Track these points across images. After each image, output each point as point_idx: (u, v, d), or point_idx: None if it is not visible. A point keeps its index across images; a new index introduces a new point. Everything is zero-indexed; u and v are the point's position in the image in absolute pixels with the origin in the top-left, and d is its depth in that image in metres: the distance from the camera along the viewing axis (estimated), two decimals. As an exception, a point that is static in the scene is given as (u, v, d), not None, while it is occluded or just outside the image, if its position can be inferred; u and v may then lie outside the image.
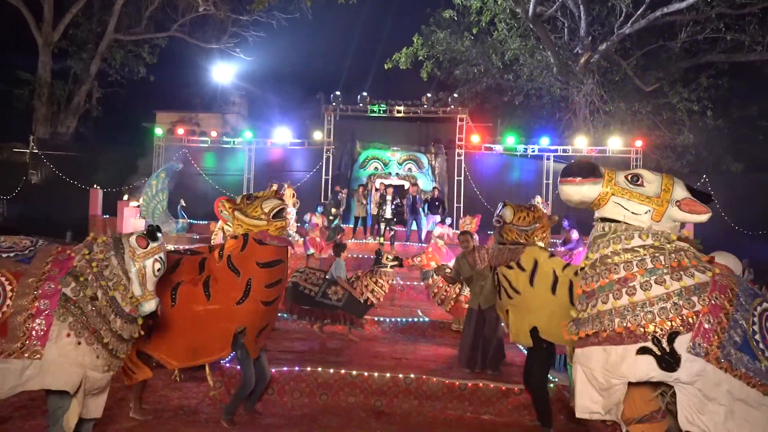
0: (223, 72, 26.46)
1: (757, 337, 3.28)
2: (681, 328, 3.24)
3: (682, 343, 3.23)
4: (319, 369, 6.58)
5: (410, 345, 8.62)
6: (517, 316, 5.53)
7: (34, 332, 3.90)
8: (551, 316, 5.30)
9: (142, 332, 4.40)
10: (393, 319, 9.67)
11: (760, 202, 18.48)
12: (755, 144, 22.31)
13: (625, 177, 3.51)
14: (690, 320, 3.24)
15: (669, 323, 3.24)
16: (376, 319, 9.65)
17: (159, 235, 4.25)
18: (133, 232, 4.26)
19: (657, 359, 3.25)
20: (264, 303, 5.30)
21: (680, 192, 3.48)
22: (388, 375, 6.53)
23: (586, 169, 3.53)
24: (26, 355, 3.89)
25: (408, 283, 12.03)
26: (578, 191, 3.52)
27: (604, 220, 3.57)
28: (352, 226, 16.51)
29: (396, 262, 8.76)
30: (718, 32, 20.58)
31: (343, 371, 6.57)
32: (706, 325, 3.23)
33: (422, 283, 9.93)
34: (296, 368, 6.59)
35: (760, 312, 3.39)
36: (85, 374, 4.02)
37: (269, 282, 5.30)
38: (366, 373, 6.54)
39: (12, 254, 4.21)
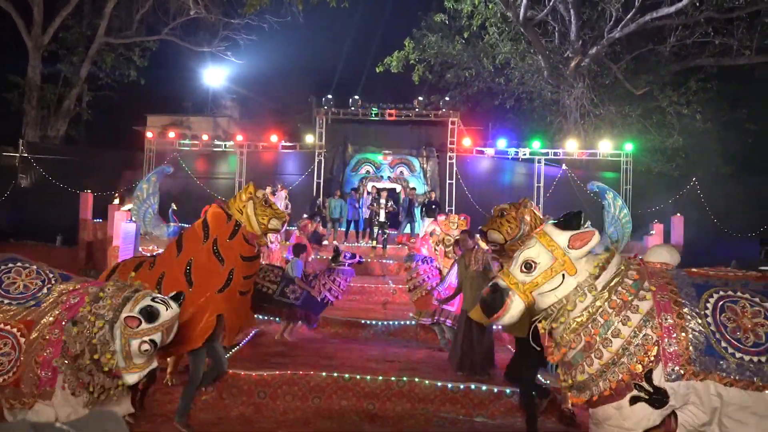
0: (215, 75, 26.40)
1: (717, 335, 3.35)
2: (651, 364, 3.33)
3: (659, 377, 3.32)
4: (312, 372, 6.59)
5: (402, 348, 8.63)
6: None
7: (42, 381, 3.93)
8: None
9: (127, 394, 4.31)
10: (385, 323, 9.68)
11: (749, 205, 18.65)
12: (744, 147, 22.50)
13: (521, 270, 3.55)
14: (654, 352, 3.33)
15: (640, 365, 3.33)
16: (368, 322, 9.66)
17: (159, 314, 3.96)
18: (143, 298, 4.00)
19: (648, 402, 3.34)
20: (241, 293, 5.40)
21: (559, 237, 3.56)
22: (380, 378, 6.54)
23: (495, 295, 3.54)
24: (41, 399, 3.96)
25: (400, 286, 12.04)
26: (511, 315, 3.54)
27: (545, 310, 3.62)
28: (344, 229, 16.53)
29: (353, 260, 8.83)
30: (707, 36, 20.78)
31: (335, 374, 6.58)
32: (670, 349, 3.32)
33: (405, 264, 9.74)
34: (288, 372, 6.59)
35: (712, 306, 3.45)
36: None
37: (247, 274, 5.44)
38: (358, 376, 6.55)
39: (23, 301, 4.20)
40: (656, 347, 3.33)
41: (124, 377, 3.98)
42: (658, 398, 3.31)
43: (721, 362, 3.30)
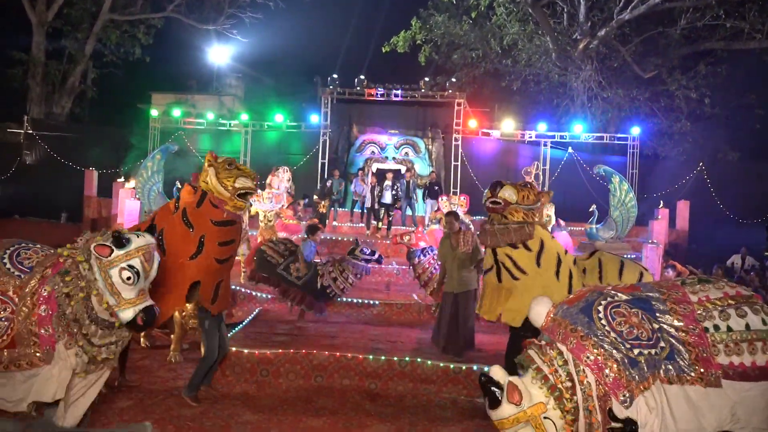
0: (220, 54, 26.22)
1: (621, 341, 3.39)
2: (599, 402, 3.32)
3: (618, 409, 3.30)
4: (314, 351, 6.60)
5: (405, 328, 8.63)
6: (517, 298, 5.43)
7: (43, 338, 3.94)
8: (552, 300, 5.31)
9: (126, 337, 4.32)
10: (388, 303, 9.68)
11: (756, 191, 18.54)
12: (752, 133, 22.29)
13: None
14: (590, 391, 3.34)
15: (594, 412, 3.32)
16: (371, 302, 9.67)
17: (129, 240, 3.93)
18: (103, 233, 4.02)
19: None
20: (217, 260, 5.37)
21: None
22: (383, 358, 6.55)
23: (493, 396, 3.43)
24: (45, 362, 3.96)
25: (404, 267, 12.03)
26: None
27: None
28: (348, 210, 16.49)
29: (373, 257, 8.57)
30: (718, 19, 20.47)
31: (338, 354, 6.59)
32: (609, 381, 3.31)
33: (409, 264, 9.73)
34: (291, 350, 6.61)
35: (602, 312, 3.51)
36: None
37: (223, 240, 5.35)
38: (361, 356, 6.56)
39: (29, 271, 4.23)
40: (591, 384, 3.34)
41: (119, 316, 3.93)
42: (631, 428, 3.30)
43: (638, 365, 3.35)
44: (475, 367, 6.39)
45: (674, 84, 21.68)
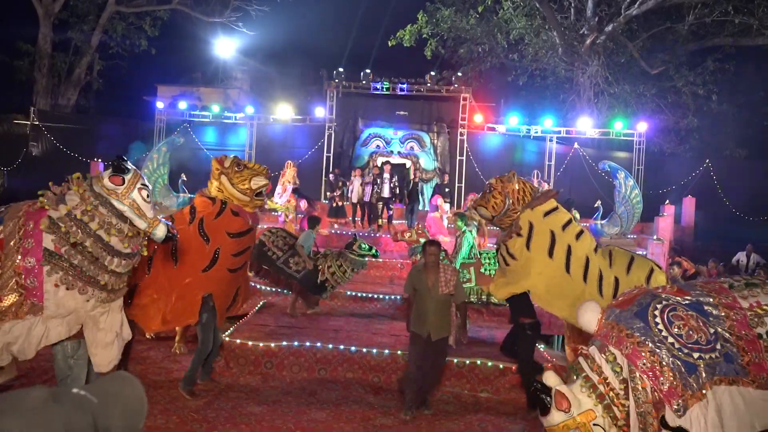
0: (226, 46, 26.18)
1: (677, 346, 3.36)
2: (652, 410, 3.29)
3: (671, 417, 3.28)
4: (318, 344, 6.63)
5: (409, 323, 8.64)
6: (510, 282, 5.62)
7: (29, 290, 3.90)
8: (549, 282, 5.33)
9: (145, 251, 4.29)
10: (392, 297, 9.69)
11: (762, 188, 18.46)
12: (759, 130, 22.20)
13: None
14: (647, 398, 3.31)
15: (648, 417, 3.30)
16: (375, 296, 9.68)
17: (126, 164, 4.06)
18: (98, 175, 4.07)
19: None
20: (230, 270, 5.37)
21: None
22: (386, 351, 6.57)
23: (543, 403, 3.44)
24: (30, 313, 3.91)
25: (408, 261, 12.03)
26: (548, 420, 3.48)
27: None
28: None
29: (369, 252, 8.52)
30: (726, 15, 20.33)
31: (342, 347, 6.62)
32: (662, 386, 3.29)
33: (411, 259, 9.71)
34: (295, 343, 6.63)
35: (659, 317, 3.47)
36: (81, 316, 4.05)
37: (237, 251, 5.38)
38: (365, 350, 6.59)
39: None
40: (646, 391, 3.32)
41: (154, 235, 4.03)
42: None
43: (695, 370, 3.32)
44: (478, 362, 6.40)
45: (681, 80, 21.58)
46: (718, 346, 3.42)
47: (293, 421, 5.31)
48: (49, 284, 3.90)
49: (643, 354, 3.37)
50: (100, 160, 16.32)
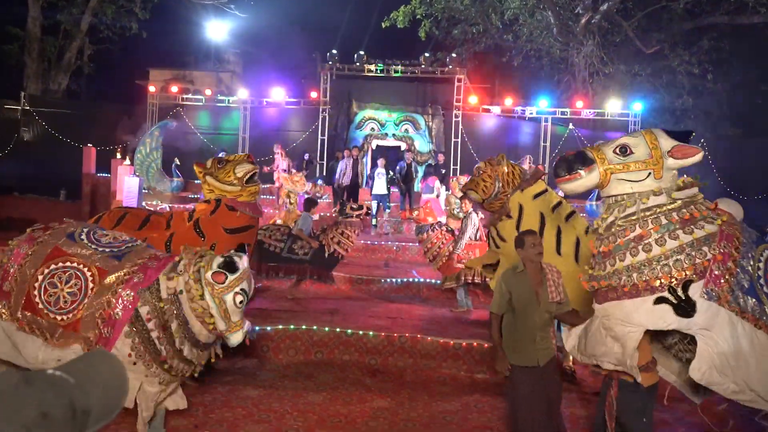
0: (218, 29, 25.89)
1: (761, 281, 3.45)
2: (694, 276, 3.36)
3: (695, 290, 3.36)
4: (315, 327, 6.63)
5: (405, 305, 8.66)
6: (503, 265, 5.63)
7: (102, 337, 3.82)
8: None
9: (218, 354, 4.20)
10: (388, 279, 9.70)
11: (757, 167, 18.45)
12: (754, 108, 22.13)
13: (614, 152, 3.54)
14: (702, 268, 3.37)
15: (684, 273, 3.36)
16: (371, 278, 9.69)
17: (238, 263, 3.87)
18: (209, 262, 3.86)
19: (674, 307, 3.38)
20: None
21: (666, 142, 3.53)
22: (383, 334, 6.58)
23: (577, 160, 3.56)
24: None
25: (404, 243, 12.04)
26: (580, 185, 3.57)
27: (612, 196, 3.62)
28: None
29: (360, 210, 8.75)
30: (722, -8, 20.20)
31: (338, 330, 6.62)
32: (717, 272, 3.36)
33: (416, 237, 9.71)
34: (291, 326, 6.63)
35: (766, 258, 3.56)
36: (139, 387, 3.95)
37: (234, 248, 5.31)
38: (361, 332, 6.59)
39: (107, 249, 4.09)
40: (707, 265, 3.36)
41: (229, 339, 3.88)
42: (685, 308, 3.35)
43: (761, 306, 3.39)
44: (475, 344, 6.41)
45: (676, 59, 21.46)
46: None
47: (290, 404, 5.32)
48: (120, 343, 3.80)
49: (734, 244, 3.42)
50: (92, 145, 16.16)
